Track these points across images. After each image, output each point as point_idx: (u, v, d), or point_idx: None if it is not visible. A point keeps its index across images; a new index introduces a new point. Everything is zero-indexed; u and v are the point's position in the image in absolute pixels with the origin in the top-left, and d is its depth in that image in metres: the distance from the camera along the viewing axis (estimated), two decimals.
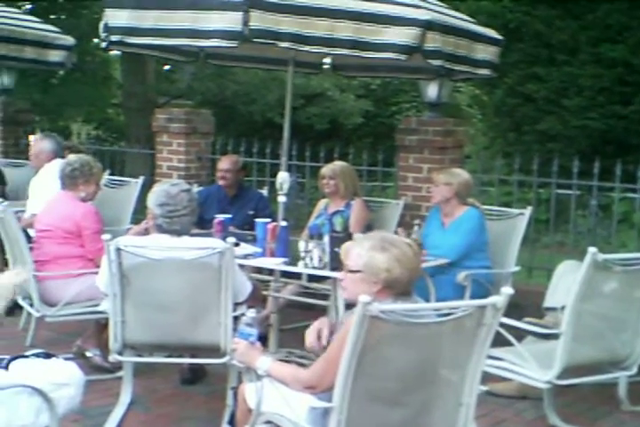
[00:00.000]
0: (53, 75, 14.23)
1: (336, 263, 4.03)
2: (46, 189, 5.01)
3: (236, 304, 3.64)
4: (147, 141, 9.89)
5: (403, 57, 3.71)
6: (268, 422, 2.79)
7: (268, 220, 4.63)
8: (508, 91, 9.97)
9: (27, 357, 2.97)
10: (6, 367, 2.85)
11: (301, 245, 4.24)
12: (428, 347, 2.49)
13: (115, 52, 16.94)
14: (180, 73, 16.26)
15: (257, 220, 4.69)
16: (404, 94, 15.02)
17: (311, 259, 4.17)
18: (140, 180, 5.91)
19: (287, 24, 3.73)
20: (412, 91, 14.05)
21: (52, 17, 13.29)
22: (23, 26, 5.86)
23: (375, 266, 2.58)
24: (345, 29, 3.72)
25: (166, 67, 16.29)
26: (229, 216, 4.84)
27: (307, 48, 3.82)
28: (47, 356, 3.02)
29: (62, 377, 2.79)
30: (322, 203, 5.34)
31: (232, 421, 3.49)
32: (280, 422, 2.75)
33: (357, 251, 2.65)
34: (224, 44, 3.80)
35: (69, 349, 4.44)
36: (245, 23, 3.66)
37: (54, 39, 5.98)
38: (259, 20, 3.67)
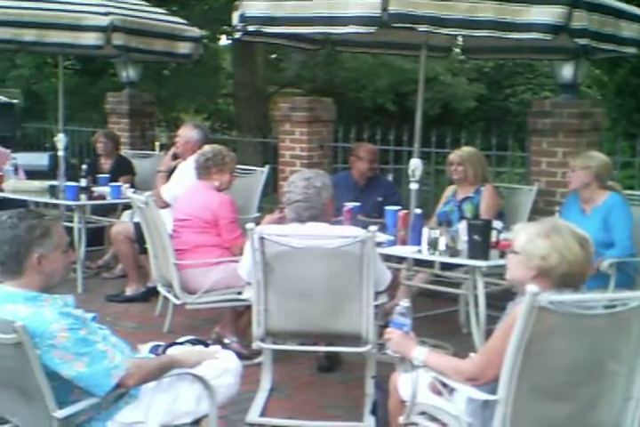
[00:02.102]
0: (166, 67, 14.57)
1: (475, 251, 3.95)
2: (189, 178, 5.11)
3: (377, 293, 3.61)
4: (257, 130, 10.02)
5: (549, 37, 3.57)
6: (423, 412, 2.76)
7: (398, 207, 4.59)
8: (631, 70, 9.57)
9: (181, 343, 3.03)
10: (163, 354, 2.91)
11: (425, 233, 4.18)
12: (596, 339, 2.40)
13: (224, 43, 17.29)
14: (289, 62, 16.38)
15: (386, 207, 4.66)
16: (519, 76, 14.68)
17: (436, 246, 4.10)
18: (266, 168, 5.96)
19: (425, 7, 3.65)
20: (526, 72, 13.71)
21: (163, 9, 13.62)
22: (153, 18, 5.98)
23: (531, 251, 2.52)
24: (486, 10, 3.61)
25: (274, 56, 16.44)
26: (358, 204, 4.82)
27: (445, 31, 3.74)
28: (198, 342, 3.08)
29: (221, 365, 2.83)
30: (449, 189, 5.24)
31: (374, 410, 3.49)
32: (436, 413, 2.71)
33: (523, 232, 2.58)
34: (361, 30, 3.76)
35: (205, 335, 4.53)
36: (384, 8, 3.61)
37: (182, 31, 6.08)
38: (397, 4, 3.61)
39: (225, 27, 14.77)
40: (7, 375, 2.54)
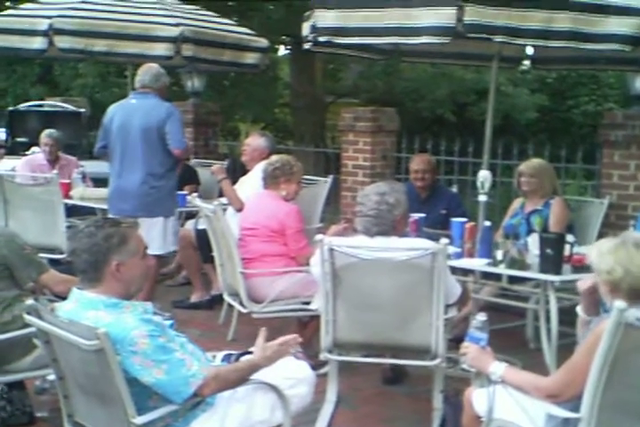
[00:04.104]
0: (226, 77, 14.74)
1: (547, 265, 3.89)
2: (258, 186, 5.15)
3: (447, 306, 3.58)
4: (314, 140, 10.07)
5: (627, 48, 3.52)
6: None
7: (465, 219, 4.55)
8: None
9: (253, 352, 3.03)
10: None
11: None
12: None
13: (282, 53, 17.42)
14: (347, 72, 16.43)
15: (453, 219, 4.62)
16: (583, 87, 14.46)
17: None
18: (330, 178, 5.97)
19: (501, 17, 3.63)
20: (590, 83, 13.51)
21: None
22: (222, 29, 6.08)
23: (597, 266, 2.50)
24: (563, 21, 3.58)
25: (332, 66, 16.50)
26: (423, 215, 4.78)
27: (521, 41, 3.71)
28: None
29: (296, 375, 2.83)
30: (517, 202, 5.18)
31: (443, 425, 3.46)
32: None
33: (596, 248, 2.54)
34: (435, 40, 3.74)
35: None
36: (459, 18, 3.59)
37: (250, 42, 6.16)
38: (473, 14, 3.59)
39: (283, 37, 14.91)
40: (87, 381, 2.57)
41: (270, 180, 4.70)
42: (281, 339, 2.89)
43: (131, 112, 5.16)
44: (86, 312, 2.55)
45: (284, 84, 17.27)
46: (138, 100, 5.22)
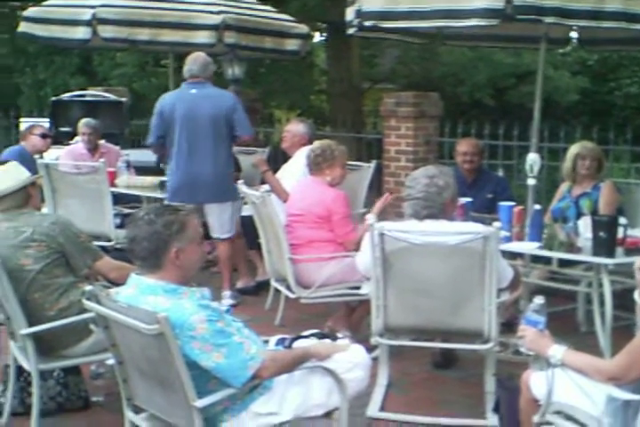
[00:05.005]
0: (262, 64, 14.74)
1: (600, 248, 3.85)
2: (300, 173, 5.17)
3: (499, 290, 3.56)
4: (351, 126, 10.01)
5: None
6: (558, 412, 2.70)
7: (513, 203, 4.51)
8: None
9: (307, 337, 3.05)
10: (289, 347, 2.94)
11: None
12: None
13: (317, 40, 17.37)
14: (383, 57, 16.33)
15: (501, 203, 4.58)
16: (625, 69, 14.22)
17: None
18: (373, 164, 5.95)
19: None
20: (632, 65, 13.28)
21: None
22: (263, 16, 6.07)
23: None
24: (614, 1, 3.51)
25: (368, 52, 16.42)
26: (470, 200, 4.75)
27: (571, 22, 3.67)
28: (324, 336, 3.10)
29: (352, 359, 2.84)
30: (564, 185, 5.12)
31: (497, 408, 3.44)
32: (573, 412, 2.65)
33: None
34: (483, 22, 3.70)
35: (317, 329, 4.54)
36: (508, 0, 3.55)
37: (291, 28, 6.14)
38: None
39: (319, 23, 14.85)
40: (147, 365, 2.61)
41: (314, 166, 4.70)
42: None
43: (195, 101, 5.24)
44: (145, 297, 2.58)
45: (320, 70, 17.23)
46: (198, 89, 5.28)
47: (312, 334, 3.09)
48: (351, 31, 4.42)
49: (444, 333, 3.72)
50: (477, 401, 3.58)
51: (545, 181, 6.33)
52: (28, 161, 5.43)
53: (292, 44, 6.18)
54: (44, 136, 6.40)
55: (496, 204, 4.58)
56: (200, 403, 2.50)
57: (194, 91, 5.30)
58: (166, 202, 5.42)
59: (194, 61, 5.25)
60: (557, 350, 2.63)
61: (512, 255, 4.68)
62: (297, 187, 4.88)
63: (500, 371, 3.57)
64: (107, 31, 5.94)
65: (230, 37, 5.73)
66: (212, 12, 5.76)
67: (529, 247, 4.13)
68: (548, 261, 4.50)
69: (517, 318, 4.38)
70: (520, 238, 4.25)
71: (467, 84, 13.02)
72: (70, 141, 7.24)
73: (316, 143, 4.88)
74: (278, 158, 6.36)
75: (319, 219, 4.52)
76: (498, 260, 3.44)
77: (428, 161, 6.47)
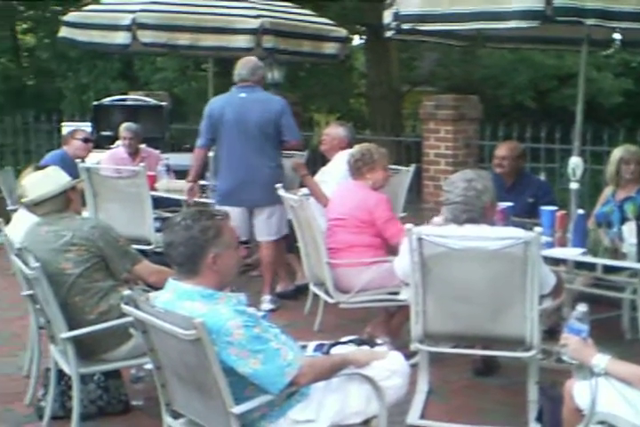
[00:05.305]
0: (301, 68, 14.77)
1: None
2: (339, 177, 5.15)
3: (541, 297, 3.49)
4: (391, 129, 9.99)
5: None
6: (602, 422, 2.64)
7: (555, 208, 4.43)
8: None
9: (345, 343, 3.03)
10: (327, 353, 2.91)
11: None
12: None
13: (356, 43, 17.35)
14: (422, 60, 16.26)
15: (543, 207, 4.51)
16: None
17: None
18: (412, 168, 5.91)
19: (593, 0, 3.51)
20: None
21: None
22: (301, 19, 6.07)
23: None
24: None
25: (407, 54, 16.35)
26: (511, 204, 4.68)
27: (614, 24, 3.59)
28: (363, 343, 3.07)
29: (391, 366, 2.81)
30: (608, 189, 5.02)
31: (540, 417, 3.38)
32: (617, 422, 2.58)
33: None
34: (523, 24, 3.65)
35: (356, 334, 4.50)
36: (548, 2, 3.49)
37: (329, 32, 6.13)
38: None
39: (358, 26, 14.83)
40: (185, 371, 2.60)
41: (354, 171, 4.66)
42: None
43: (244, 106, 5.29)
44: (182, 302, 2.58)
45: (359, 73, 17.20)
46: (247, 93, 5.33)
47: (350, 341, 3.06)
48: (389, 34, 4.39)
49: (485, 340, 3.67)
50: (519, 410, 3.51)
51: (588, 184, 6.23)
52: (69, 165, 5.49)
53: (330, 48, 6.17)
54: (85, 140, 6.47)
55: (537, 208, 4.50)
56: (237, 409, 2.49)
57: (243, 95, 5.34)
58: (216, 206, 5.47)
59: (243, 66, 5.31)
60: (601, 359, 2.57)
61: (555, 261, 4.60)
62: (338, 191, 4.85)
63: (542, 379, 3.51)
64: (146, 36, 5.98)
65: (268, 41, 5.74)
66: (250, 17, 5.77)
67: (572, 253, 4.05)
68: (591, 267, 4.42)
69: (560, 325, 4.31)
70: (562, 244, 4.18)
71: (508, 86, 12.88)
72: (111, 146, 7.31)
73: (356, 147, 4.84)
74: (317, 162, 6.35)
75: (361, 223, 4.47)
76: (539, 266, 3.38)
77: (467, 164, 6.41)
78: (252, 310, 2.64)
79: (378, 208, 4.47)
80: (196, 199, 6.00)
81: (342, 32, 6.24)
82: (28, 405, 3.79)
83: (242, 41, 5.79)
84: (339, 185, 4.99)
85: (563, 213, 4.27)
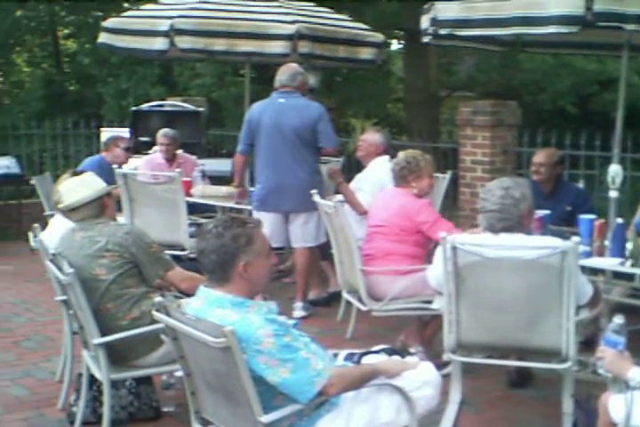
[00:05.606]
0: (338, 73, 14.74)
1: None
2: (375, 183, 5.12)
3: (578, 307, 3.42)
4: (428, 135, 9.90)
5: None
6: None
7: (593, 216, 4.35)
8: None
9: (377, 352, 3.00)
10: (358, 362, 2.88)
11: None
12: None
13: (395, 48, 17.30)
14: (461, 65, 16.15)
15: (581, 216, 4.43)
16: None
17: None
18: (448, 174, 5.85)
19: (632, 5, 3.46)
20: None
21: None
22: (337, 25, 6.05)
23: None
24: None
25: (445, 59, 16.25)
26: (548, 212, 4.61)
27: None
28: (394, 352, 3.03)
29: (422, 377, 2.77)
30: None
31: None
32: None
33: None
34: (562, 30, 3.59)
35: (388, 343, 4.46)
36: (588, 7, 3.43)
37: (366, 37, 6.10)
38: (602, 2, 3.44)
39: (396, 31, 14.78)
40: (214, 378, 2.59)
41: (399, 179, 4.58)
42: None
43: (282, 111, 5.32)
44: (213, 310, 2.57)
45: (397, 78, 17.13)
46: (286, 99, 5.37)
47: (382, 350, 3.03)
48: (426, 39, 4.37)
49: (519, 350, 3.61)
50: (554, 422, 3.45)
51: (628, 193, 6.10)
52: (106, 171, 5.56)
53: (366, 53, 6.14)
54: (127, 149, 6.54)
55: (575, 216, 4.44)
56: (266, 418, 2.47)
57: (281, 100, 5.38)
58: (253, 211, 5.48)
59: (283, 72, 5.35)
60: (637, 373, 2.51)
61: (592, 271, 4.52)
62: (381, 197, 4.78)
63: (578, 391, 3.44)
64: (184, 42, 6.01)
65: (304, 47, 5.73)
66: (286, 22, 5.77)
67: (610, 263, 3.97)
68: (630, 277, 4.33)
69: (597, 335, 4.23)
70: (601, 253, 4.10)
71: (548, 91, 12.71)
72: (149, 151, 7.36)
73: (400, 155, 4.71)
74: (352, 168, 6.32)
75: (401, 231, 4.41)
76: (577, 276, 3.32)
77: (504, 172, 6.32)
78: (282, 318, 2.63)
79: (421, 214, 4.41)
80: (235, 205, 6.03)
81: (379, 37, 6.21)
82: (60, 410, 3.81)
83: (278, 46, 5.80)
84: (381, 192, 4.92)
85: (601, 221, 4.19)
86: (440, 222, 4.40)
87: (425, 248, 4.51)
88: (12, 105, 15.47)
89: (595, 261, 4.01)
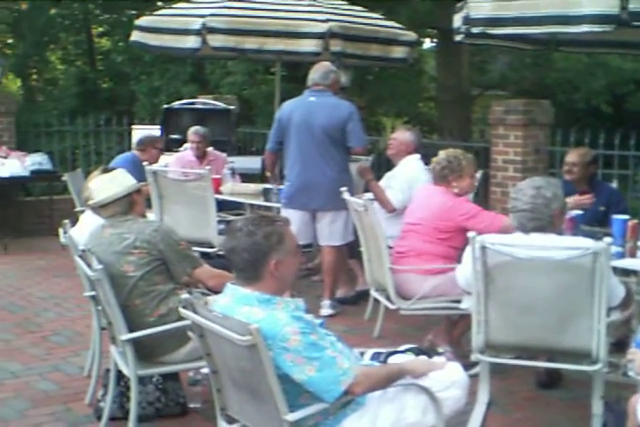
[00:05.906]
0: (369, 71, 14.71)
1: None
2: (405, 182, 5.10)
3: (609, 309, 3.38)
4: (459, 134, 9.84)
5: None
6: None
7: (627, 216, 4.29)
8: None
9: (403, 352, 2.97)
10: (384, 362, 2.86)
11: None
12: None
13: (427, 46, 17.22)
14: (494, 63, 16.04)
15: (614, 216, 4.37)
16: None
17: None
18: (479, 173, 5.80)
19: None
20: None
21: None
22: (369, 23, 6.03)
23: None
24: None
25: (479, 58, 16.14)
26: (581, 212, 4.55)
27: None
28: (421, 352, 3.01)
29: (449, 377, 2.75)
30: None
31: None
32: None
33: None
34: (597, 29, 3.54)
35: (416, 342, 4.43)
36: (623, 6, 3.38)
37: (398, 35, 6.08)
38: (638, 1, 3.37)
39: (429, 30, 14.71)
40: (240, 376, 2.59)
41: (439, 179, 4.50)
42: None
43: (312, 110, 5.32)
44: (240, 307, 2.57)
45: (429, 77, 17.07)
46: (317, 97, 5.36)
47: (408, 349, 3.00)
48: (459, 38, 4.33)
49: (549, 351, 3.57)
50: (583, 424, 3.42)
51: None
52: (138, 169, 5.59)
53: (398, 52, 6.11)
54: (161, 150, 6.62)
55: (608, 217, 4.37)
56: (291, 417, 2.46)
57: (312, 98, 5.38)
58: (282, 208, 5.49)
59: (316, 70, 5.35)
60: None
61: (625, 272, 4.46)
62: (420, 194, 4.71)
63: (607, 393, 3.40)
64: (216, 40, 6.03)
65: (336, 45, 5.72)
66: (318, 20, 5.76)
67: None
68: None
69: (629, 337, 4.16)
70: (633, 254, 4.05)
71: (582, 90, 12.56)
72: (179, 148, 7.40)
73: (441, 154, 4.60)
74: (382, 166, 6.29)
75: (436, 231, 4.35)
76: (609, 277, 3.28)
77: (537, 171, 6.26)
78: (309, 316, 2.62)
79: (458, 210, 4.34)
80: (262, 203, 6.04)
81: (412, 36, 6.17)
82: (87, 405, 3.84)
83: (309, 45, 5.79)
84: (419, 189, 4.86)
85: (635, 222, 4.13)
86: (479, 217, 4.32)
87: (458, 249, 4.45)
88: (46, 102, 15.66)
89: (627, 263, 3.95)
